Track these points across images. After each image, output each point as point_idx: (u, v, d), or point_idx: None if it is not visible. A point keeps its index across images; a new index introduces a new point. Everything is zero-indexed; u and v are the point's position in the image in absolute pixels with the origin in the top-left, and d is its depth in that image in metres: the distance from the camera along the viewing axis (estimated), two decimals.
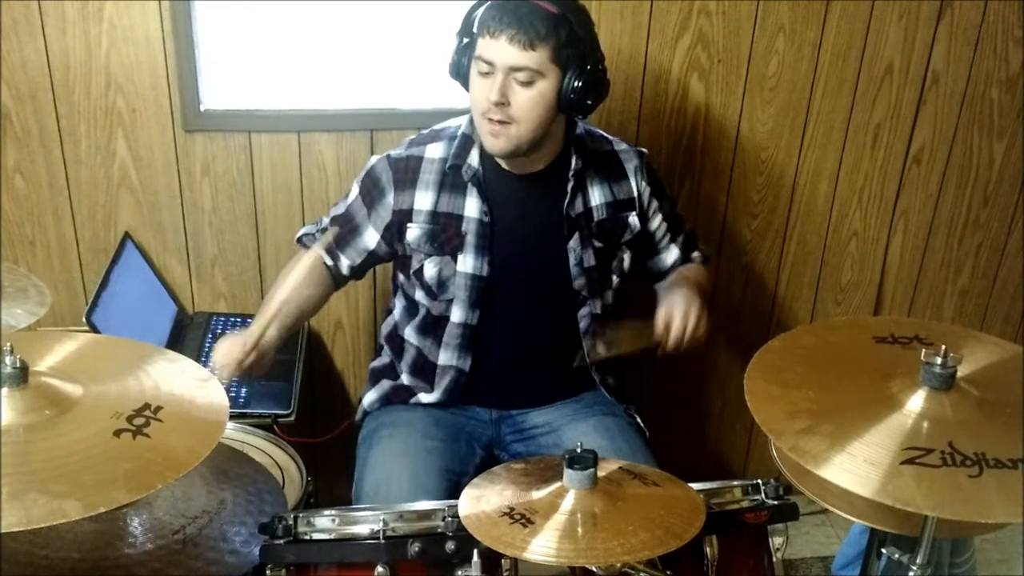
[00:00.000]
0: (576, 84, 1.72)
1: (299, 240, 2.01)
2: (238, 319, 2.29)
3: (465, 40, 1.77)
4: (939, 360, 1.28)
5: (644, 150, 1.98)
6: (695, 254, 2.07)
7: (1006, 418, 1.28)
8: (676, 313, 1.82)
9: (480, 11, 1.72)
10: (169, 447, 1.16)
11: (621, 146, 1.96)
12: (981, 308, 2.72)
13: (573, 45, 1.71)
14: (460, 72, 1.79)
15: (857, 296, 2.63)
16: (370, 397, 2.04)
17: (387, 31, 2.15)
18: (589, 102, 1.75)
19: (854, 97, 2.39)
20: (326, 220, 1.96)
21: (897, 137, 2.45)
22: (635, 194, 1.93)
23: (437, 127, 1.91)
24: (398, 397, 2.00)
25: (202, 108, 2.15)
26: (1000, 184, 2.55)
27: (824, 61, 2.33)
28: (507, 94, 1.69)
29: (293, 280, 1.83)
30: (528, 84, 1.69)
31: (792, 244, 2.53)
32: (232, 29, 2.11)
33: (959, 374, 1.30)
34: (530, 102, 1.70)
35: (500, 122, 1.71)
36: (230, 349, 1.73)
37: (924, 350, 1.30)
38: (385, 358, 2.06)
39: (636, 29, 2.23)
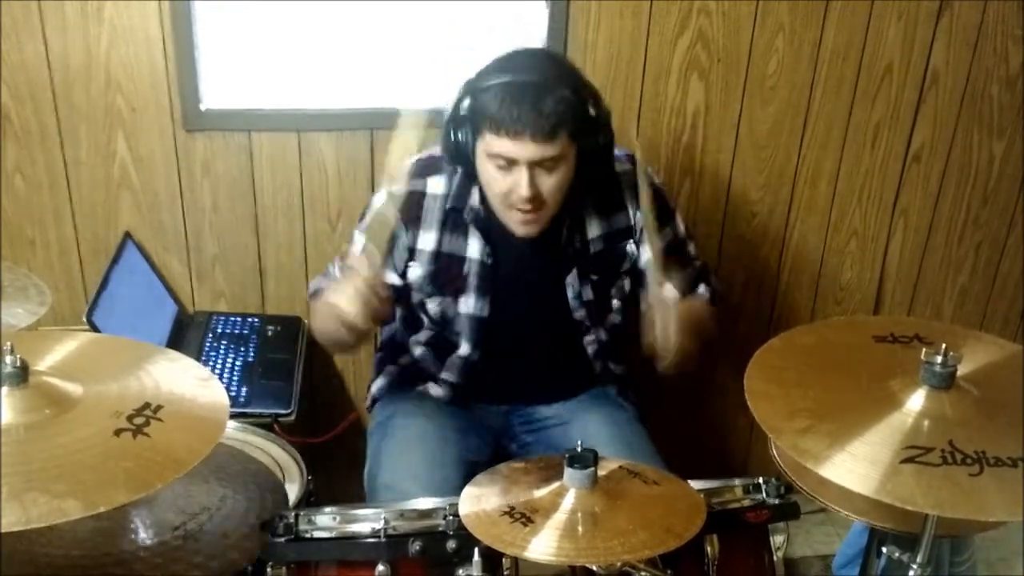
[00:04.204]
0: (595, 150, 1.69)
1: (313, 295, 1.89)
2: (238, 318, 2.29)
3: (464, 122, 1.68)
4: (939, 359, 1.28)
5: (651, 170, 1.91)
6: (700, 288, 1.96)
7: (1006, 417, 1.28)
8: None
9: (482, 100, 1.63)
10: (169, 446, 1.16)
11: (625, 166, 1.86)
12: (981, 307, 2.72)
13: (585, 114, 1.66)
14: (462, 157, 1.71)
15: (857, 295, 2.63)
16: (379, 383, 2.03)
17: (387, 30, 2.15)
18: (607, 162, 1.75)
19: (854, 96, 2.39)
20: (334, 269, 1.89)
21: (897, 136, 2.45)
22: (632, 223, 1.88)
23: (436, 154, 1.82)
24: (406, 381, 1.99)
25: (202, 108, 2.15)
26: (1000, 183, 2.55)
27: (824, 60, 2.33)
28: (536, 184, 1.65)
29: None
30: (553, 169, 1.65)
31: (792, 243, 2.53)
32: (232, 28, 2.11)
33: (959, 373, 1.30)
34: (557, 184, 1.67)
35: (531, 210, 1.67)
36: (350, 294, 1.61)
37: (924, 349, 1.30)
38: (385, 352, 2.06)
39: (636, 28, 2.23)
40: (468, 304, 1.84)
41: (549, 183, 1.66)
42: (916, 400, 1.28)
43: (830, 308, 2.63)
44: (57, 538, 1.31)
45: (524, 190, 1.64)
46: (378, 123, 2.22)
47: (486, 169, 1.69)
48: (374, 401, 2.04)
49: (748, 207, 2.47)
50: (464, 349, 1.89)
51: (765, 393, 1.34)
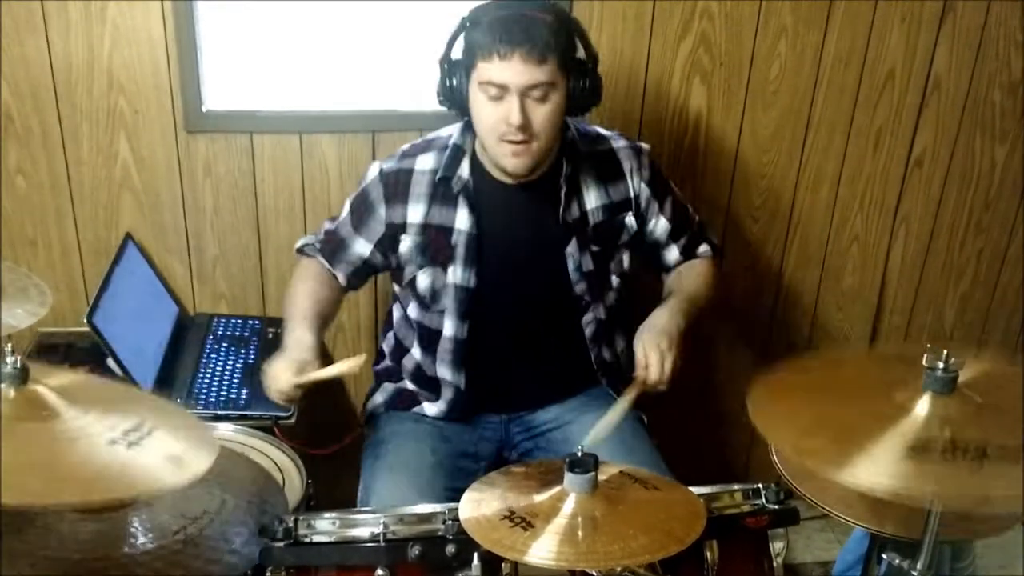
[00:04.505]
0: (584, 88, 1.73)
1: (300, 250, 2.00)
2: (239, 320, 2.29)
3: (458, 65, 1.74)
4: (941, 364, 1.29)
5: (644, 146, 1.95)
6: (701, 248, 2.03)
7: (1007, 422, 1.28)
8: (651, 353, 1.74)
9: (475, 34, 1.69)
10: (162, 461, 1.16)
11: (620, 143, 1.92)
12: (982, 313, 2.71)
13: (574, 49, 1.72)
14: (456, 99, 1.75)
15: (858, 301, 2.63)
16: (375, 400, 2.04)
17: (389, 32, 2.15)
18: (596, 102, 1.77)
19: (856, 101, 2.39)
20: (321, 232, 1.98)
21: (899, 141, 2.45)
22: (631, 194, 1.91)
23: (429, 136, 1.90)
24: (403, 402, 1.99)
25: (204, 109, 2.15)
26: (1002, 189, 2.55)
27: (826, 65, 2.33)
28: (527, 113, 1.67)
29: (305, 287, 1.87)
30: (544, 99, 1.68)
31: (793, 248, 2.53)
32: (234, 30, 2.11)
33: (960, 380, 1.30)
34: (548, 116, 1.69)
35: (522, 141, 1.69)
36: (278, 375, 1.69)
37: (926, 354, 1.30)
38: (388, 361, 2.06)
39: (638, 31, 2.23)
40: (455, 275, 1.85)
41: (540, 114, 1.69)
42: (919, 406, 1.28)
43: (831, 313, 2.63)
44: (57, 540, 1.31)
45: (515, 116, 1.66)
46: (380, 125, 2.23)
47: (478, 104, 1.71)
48: (370, 416, 2.04)
49: (750, 211, 2.47)
50: (450, 327, 1.88)
51: (770, 416, 1.33)
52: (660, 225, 1.96)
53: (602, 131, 1.95)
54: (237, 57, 2.13)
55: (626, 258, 1.94)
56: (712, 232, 2.09)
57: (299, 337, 1.77)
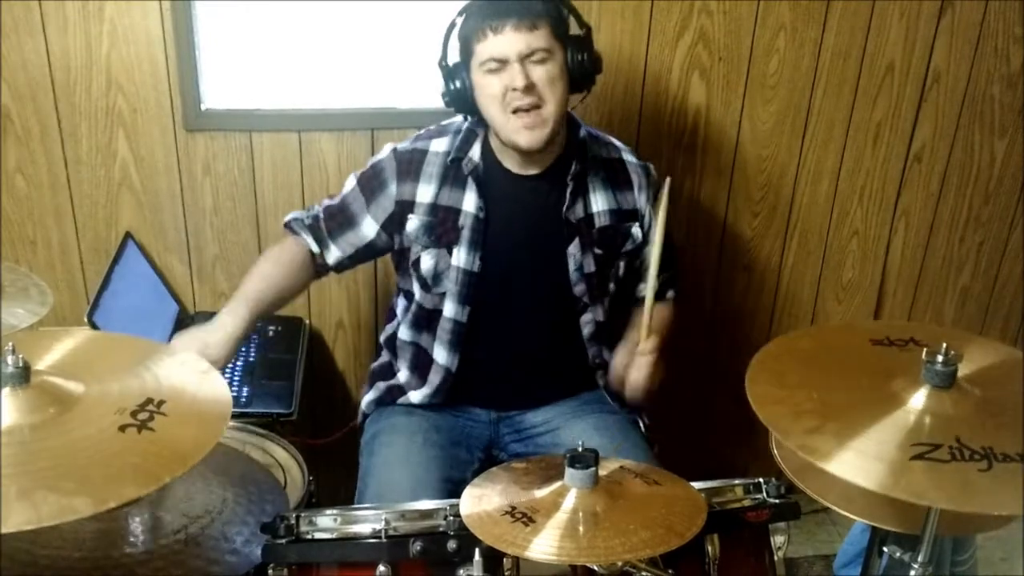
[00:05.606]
0: (580, 57, 1.75)
1: (287, 224, 1.97)
2: None
3: (457, 66, 1.77)
4: (940, 358, 1.28)
5: (652, 167, 1.95)
6: (669, 293, 2.03)
7: (1008, 416, 1.28)
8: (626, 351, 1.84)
9: (465, 27, 1.74)
10: (175, 440, 1.15)
11: (631, 158, 1.93)
12: (982, 306, 2.72)
13: (564, 20, 1.75)
14: (460, 95, 1.78)
15: (858, 295, 2.63)
16: (367, 399, 2.03)
17: (388, 30, 2.15)
18: (596, 72, 1.79)
19: (855, 96, 2.39)
20: (318, 208, 1.94)
21: (898, 136, 2.45)
22: (638, 207, 1.91)
23: (445, 123, 1.92)
24: (391, 397, 1.99)
25: (203, 108, 2.15)
26: (1001, 182, 2.55)
27: (825, 60, 2.33)
28: (530, 76, 1.69)
29: (270, 268, 1.87)
30: (543, 62, 1.70)
31: (793, 243, 2.53)
32: (233, 28, 2.11)
33: (958, 374, 1.30)
34: (550, 76, 1.71)
35: (530, 109, 1.70)
36: (189, 347, 1.68)
37: (925, 349, 1.30)
38: (384, 358, 2.06)
39: (637, 28, 2.23)
40: (460, 257, 1.85)
41: (542, 74, 1.70)
42: (918, 399, 1.28)
43: (831, 308, 2.63)
44: (58, 540, 1.31)
45: (519, 79, 1.68)
46: (379, 123, 2.23)
47: (482, 85, 1.73)
48: (364, 417, 2.03)
49: (749, 206, 2.47)
50: (450, 309, 1.88)
51: (768, 396, 1.33)
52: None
53: (615, 141, 1.95)
54: (236, 56, 2.13)
55: (623, 266, 1.94)
56: (679, 281, 2.06)
57: (225, 322, 1.76)
